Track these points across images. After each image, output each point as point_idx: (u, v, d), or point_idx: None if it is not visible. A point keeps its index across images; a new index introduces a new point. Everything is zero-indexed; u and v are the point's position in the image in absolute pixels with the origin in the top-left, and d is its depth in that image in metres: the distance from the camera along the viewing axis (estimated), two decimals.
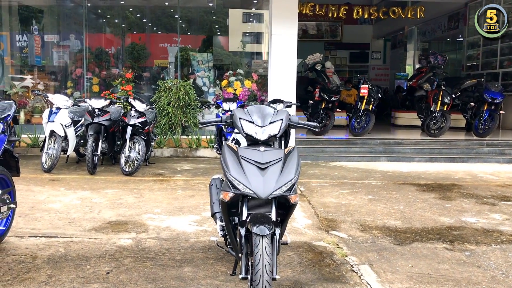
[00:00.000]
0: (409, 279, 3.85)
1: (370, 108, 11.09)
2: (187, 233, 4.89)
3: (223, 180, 3.70)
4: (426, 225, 5.33)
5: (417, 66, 16.05)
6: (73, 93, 11.65)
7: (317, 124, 3.83)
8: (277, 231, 3.01)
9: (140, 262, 4.07)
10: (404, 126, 13.36)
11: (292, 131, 8.66)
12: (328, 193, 6.84)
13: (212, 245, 4.43)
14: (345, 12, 14.29)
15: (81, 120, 8.43)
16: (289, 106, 8.32)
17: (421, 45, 18.84)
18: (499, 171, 8.98)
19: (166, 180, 7.49)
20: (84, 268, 3.90)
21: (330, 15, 14.45)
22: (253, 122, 3.31)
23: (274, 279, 2.94)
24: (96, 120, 7.83)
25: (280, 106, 7.96)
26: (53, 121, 7.98)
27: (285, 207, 3.24)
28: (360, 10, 14.30)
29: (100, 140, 7.91)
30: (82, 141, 8.52)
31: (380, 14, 14.47)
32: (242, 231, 3.05)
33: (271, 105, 7.83)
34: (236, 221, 3.30)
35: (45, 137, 8.07)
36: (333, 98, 11.19)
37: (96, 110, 7.92)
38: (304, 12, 13.62)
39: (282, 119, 3.35)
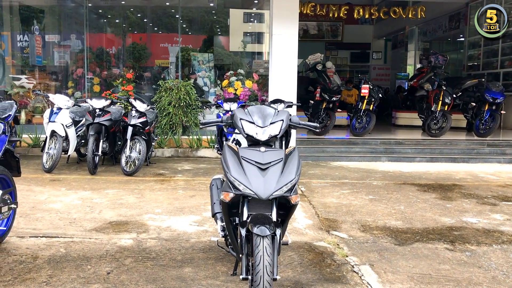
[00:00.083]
0: (410, 279, 3.85)
1: (371, 108, 11.08)
2: (188, 233, 4.89)
3: (223, 180, 3.70)
4: (427, 225, 5.33)
5: (418, 66, 16.03)
6: (74, 93, 11.66)
7: (318, 125, 3.83)
8: (278, 231, 3.01)
9: (140, 262, 4.07)
10: (405, 126, 13.35)
11: (293, 131, 8.65)
12: (329, 193, 6.83)
13: (213, 246, 4.44)
14: (346, 12, 14.28)
15: (82, 120, 8.44)
16: (290, 106, 8.32)
17: (422, 45, 18.83)
18: (500, 171, 8.97)
19: (167, 180, 7.50)
20: (85, 268, 3.90)
21: (331, 15, 14.44)
22: (253, 123, 3.31)
23: (274, 279, 2.95)
24: (97, 120, 7.84)
25: (281, 106, 7.96)
26: (54, 121, 7.99)
27: (285, 207, 3.24)
28: (361, 10, 14.29)
29: (101, 140, 7.92)
30: (83, 141, 8.53)
31: (381, 14, 14.46)
32: (243, 232, 3.05)
33: (272, 105, 7.84)
34: (237, 221, 3.31)
35: (46, 137, 8.08)
36: (334, 98, 11.18)
37: (97, 110, 7.92)
38: (305, 12, 13.61)
39: (282, 120, 3.35)
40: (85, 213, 5.53)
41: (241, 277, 3.07)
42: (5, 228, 4.42)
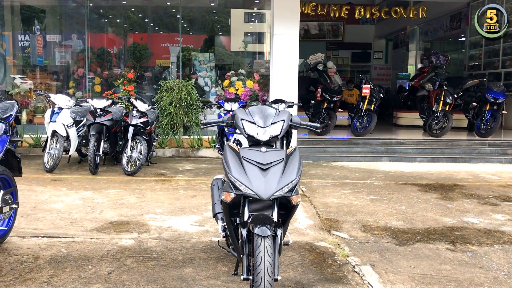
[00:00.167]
0: (411, 279, 3.85)
1: (372, 108, 11.07)
2: (189, 233, 4.90)
3: (224, 180, 3.70)
4: (428, 226, 5.33)
5: (419, 66, 16.01)
6: (75, 93, 11.67)
7: (319, 125, 3.83)
8: (279, 232, 3.01)
9: (141, 262, 4.07)
10: (406, 126, 13.34)
11: (294, 131, 8.62)
12: (330, 193, 6.83)
13: (214, 246, 4.44)
14: (347, 12, 14.28)
15: (83, 120, 8.44)
16: (291, 106, 8.31)
17: (423, 45, 18.82)
18: (501, 171, 8.96)
19: (168, 180, 7.50)
20: (86, 269, 3.90)
21: (332, 15, 14.44)
22: (254, 123, 3.31)
23: (275, 280, 2.95)
24: (98, 120, 7.84)
25: (282, 106, 7.96)
26: (55, 121, 7.99)
27: (286, 207, 3.24)
28: (362, 10, 14.28)
29: (102, 140, 7.92)
30: (84, 141, 8.53)
31: (382, 14, 14.46)
32: (244, 232, 3.05)
33: (273, 105, 7.84)
34: (238, 221, 3.30)
35: (47, 137, 8.08)
36: (335, 98, 11.18)
37: (98, 110, 7.92)
38: (306, 12, 13.61)
39: (283, 120, 3.35)
40: (86, 213, 5.54)
41: (242, 277, 3.07)
42: (6, 228, 4.42)
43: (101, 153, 7.91)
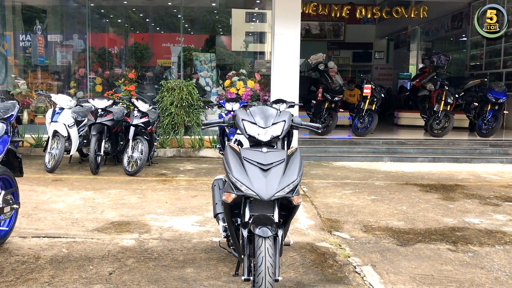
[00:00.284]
0: (412, 280, 3.84)
1: (373, 108, 11.07)
2: (190, 233, 4.90)
3: (225, 180, 3.69)
4: (429, 226, 5.32)
5: (420, 65, 16.02)
6: (76, 93, 11.67)
7: (320, 125, 3.82)
8: (280, 232, 3.01)
9: (142, 262, 4.07)
10: (407, 126, 13.33)
11: (295, 131, 8.62)
12: (331, 193, 6.83)
13: (215, 246, 4.44)
14: (348, 11, 14.25)
15: (84, 120, 8.44)
16: (292, 106, 8.31)
17: (424, 44, 18.80)
18: (502, 171, 8.95)
19: (168, 180, 7.50)
20: (87, 269, 3.91)
21: (333, 14, 14.43)
22: (255, 123, 3.31)
23: (276, 280, 2.94)
24: (99, 120, 7.85)
25: (283, 106, 7.95)
26: (56, 121, 7.99)
27: (287, 208, 3.24)
28: (363, 10, 14.26)
29: (103, 140, 7.92)
30: (85, 141, 8.54)
31: (383, 14, 14.44)
32: (245, 233, 3.05)
33: (274, 105, 7.83)
34: (239, 222, 3.30)
35: (48, 137, 8.09)
36: (336, 98, 11.18)
37: (99, 110, 7.93)
38: (307, 11, 13.60)
39: (284, 120, 3.34)
40: (87, 213, 5.54)
41: (243, 278, 3.07)
42: (7, 229, 4.42)
43: (102, 153, 7.92)
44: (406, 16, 14.36)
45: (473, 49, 15.38)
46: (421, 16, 14.42)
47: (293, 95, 9.87)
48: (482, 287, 3.76)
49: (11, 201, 4.33)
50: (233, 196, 3.09)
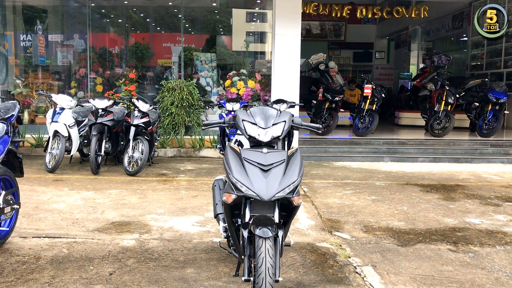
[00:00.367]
0: (413, 280, 3.84)
1: (373, 108, 11.06)
2: (190, 233, 4.89)
3: (226, 181, 3.69)
4: (430, 226, 5.32)
5: (421, 65, 15.99)
6: (77, 93, 11.68)
7: (320, 126, 3.82)
8: (280, 233, 3.01)
9: (143, 263, 4.07)
10: (407, 126, 13.32)
11: (296, 132, 8.61)
12: (331, 193, 6.83)
13: (215, 246, 4.44)
14: (348, 11, 14.24)
15: (84, 120, 8.45)
16: (293, 106, 8.30)
17: (425, 44, 18.78)
18: (503, 171, 8.95)
19: (169, 181, 7.50)
20: (87, 269, 3.91)
21: (333, 14, 14.41)
22: (256, 124, 3.30)
23: (277, 281, 2.94)
24: (99, 120, 7.85)
25: (283, 106, 7.94)
26: (57, 121, 8.00)
27: (288, 209, 3.24)
28: (363, 10, 14.25)
29: (104, 140, 7.93)
30: (85, 141, 8.55)
31: (384, 14, 14.43)
32: (245, 233, 3.05)
33: (275, 105, 7.83)
34: (239, 222, 3.30)
35: (49, 137, 8.09)
36: (337, 98, 11.17)
37: (100, 110, 7.93)
38: (307, 11, 13.60)
39: (285, 121, 3.34)
40: (87, 214, 5.54)
41: (243, 278, 3.07)
42: (7, 229, 4.42)
43: (102, 153, 7.92)
44: (407, 16, 14.35)
45: (474, 49, 15.37)
46: (422, 16, 14.41)
47: (294, 95, 9.87)
48: (483, 287, 3.76)
49: (11, 202, 4.33)
50: (233, 196, 3.09)
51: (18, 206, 4.48)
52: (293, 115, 3.57)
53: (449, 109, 11.16)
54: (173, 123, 10.27)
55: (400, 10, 14.21)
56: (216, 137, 9.80)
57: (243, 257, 3.14)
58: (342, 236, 4.95)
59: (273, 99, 9.61)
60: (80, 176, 7.73)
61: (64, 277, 3.75)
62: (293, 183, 3.07)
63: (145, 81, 12.41)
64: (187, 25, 13.00)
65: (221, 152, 8.26)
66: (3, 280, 3.65)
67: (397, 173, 8.51)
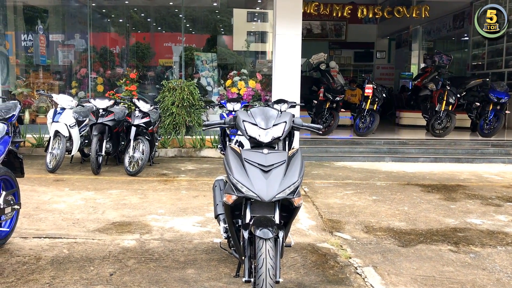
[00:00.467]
0: (414, 281, 3.83)
1: (374, 108, 11.05)
2: (191, 234, 4.89)
3: (226, 181, 3.69)
4: (431, 227, 5.31)
5: (422, 65, 15.97)
6: (78, 93, 11.69)
7: (321, 126, 3.81)
8: (281, 234, 3.01)
9: (143, 263, 4.07)
10: (408, 126, 13.31)
11: (296, 132, 8.60)
12: (332, 193, 6.82)
13: (216, 247, 4.43)
14: (349, 11, 14.21)
15: (85, 120, 8.45)
16: (293, 106, 8.30)
17: (426, 44, 18.77)
18: (504, 171, 8.93)
19: (170, 181, 7.50)
20: (87, 270, 3.90)
21: (334, 14, 14.39)
22: (256, 125, 3.30)
23: (277, 282, 2.93)
24: (100, 120, 7.85)
25: (284, 106, 7.94)
26: (58, 121, 8.00)
27: (288, 209, 3.23)
28: (364, 10, 14.22)
29: (105, 140, 7.93)
30: (86, 141, 8.55)
31: (385, 14, 14.40)
32: (245, 234, 3.04)
33: (275, 105, 7.82)
34: (240, 223, 3.30)
35: (50, 137, 8.09)
36: (338, 98, 11.16)
37: (101, 110, 7.93)
38: (308, 11, 13.57)
39: (285, 121, 3.34)
40: (88, 214, 5.54)
41: (243, 279, 3.07)
42: (8, 229, 4.42)
43: (103, 153, 7.93)
44: (408, 15, 14.32)
45: (475, 48, 15.35)
46: (423, 16, 14.38)
47: (295, 95, 9.87)
48: None
49: (12, 202, 4.33)
50: (233, 197, 3.09)
51: (18, 207, 4.48)
52: (293, 116, 3.57)
53: (450, 109, 11.14)
54: (174, 123, 10.27)
55: (401, 9, 14.18)
56: (217, 137, 9.80)
57: (243, 258, 3.13)
58: (343, 236, 4.94)
59: (274, 99, 9.61)
60: (80, 176, 7.73)
61: (64, 277, 3.74)
62: (293, 184, 3.07)
63: (146, 81, 12.42)
64: (188, 25, 13.00)
65: (222, 152, 8.25)
66: (4, 281, 3.65)
67: (398, 173, 8.50)
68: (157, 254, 4.30)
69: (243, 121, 3.34)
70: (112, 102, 8.15)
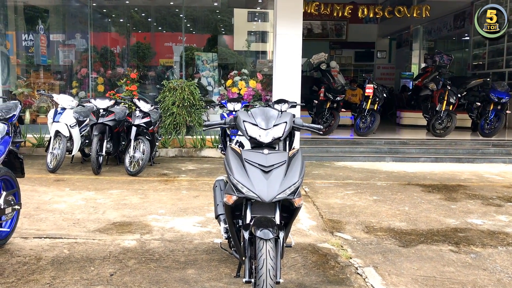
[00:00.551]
0: (414, 282, 3.83)
1: (375, 108, 11.04)
2: (191, 234, 4.89)
3: (227, 182, 3.69)
4: (432, 227, 5.31)
5: (423, 65, 15.96)
6: (78, 93, 11.68)
7: (321, 127, 3.81)
8: (281, 234, 3.00)
9: (144, 263, 4.07)
10: (409, 126, 13.29)
11: (297, 133, 8.60)
12: (332, 193, 6.82)
13: (216, 247, 4.43)
14: (350, 11, 14.20)
15: (86, 120, 8.45)
16: (294, 106, 8.30)
17: (426, 44, 18.75)
18: (505, 171, 8.92)
19: (170, 181, 7.50)
20: (88, 270, 3.90)
21: (335, 14, 14.37)
22: (257, 125, 3.30)
23: (277, 282, 2.93)
24: (101, 120, 7.85)
25: (284, 106, 7.94)
26: (58, 121, 8.00)
27: (289, 210, 3.23)
28: (365, 9, 14.21)
29: (105, 140, 7.93)
30: (87, 141, 8.55)
31: (386, 13, 14.38)
32: (246, 235, 3.04)
33: (276, 105, 7.82)
34: (240, 224, 3.30)
35: (50, 137, 8.09)
36: (338, 98, 11.16)
37: (101, 110, 7.93)
38: (309, 11, 13.55)
39: (286, 122, 3.33)
40: (88, 214, 5.54)
41: (244, 280, 3.07)
42: (8, 230, 4.42)
43: (104, 153, 7.93)
44: (409, 15, 14.30)
45: (476, 48, 15.34)
46: (424, 16, 14.36)
47: (295, 95, 9.86)
48: None
49: (12, 202, 4.33)
50: (234, 198, 3.09)
51: (19, 207, 4.48)
52: (294, 116, 3.56)
53: (450, 109, 11.13)
54: (174, 123, 10.26)
55: (402, 9, 14.16)
56: (217, 137, 9.79)
57: (244, 258, 3.13)
58: (344, 236, 4.94)
59: (274, 99, 9.60)
60: (81, 176, 7.73)
61: (65, 278, 3.74)
62: (294, 184, 3.07)
63: (147, 81, 12.41)
64: (188, 25, 12.99)
65: (222, 152, 8.26)
66: (4, 281, 3.65)
67: (399, 173, 8.49)
68: (158, 254, 4.29)
69: (244, 121, 3.34)
70: (112, 102, 8.15)
